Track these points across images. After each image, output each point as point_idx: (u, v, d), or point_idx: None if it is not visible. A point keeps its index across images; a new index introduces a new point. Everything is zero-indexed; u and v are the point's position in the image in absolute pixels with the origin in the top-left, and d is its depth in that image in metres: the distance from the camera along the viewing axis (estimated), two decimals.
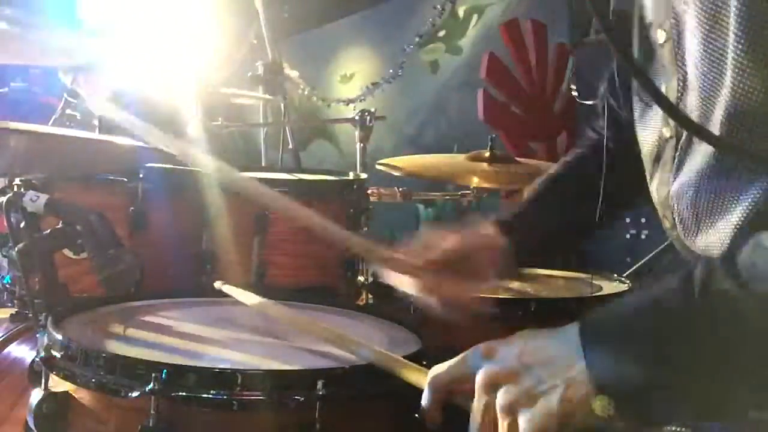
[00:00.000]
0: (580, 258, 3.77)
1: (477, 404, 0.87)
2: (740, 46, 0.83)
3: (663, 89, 1.00)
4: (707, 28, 0.87)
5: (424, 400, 0.92)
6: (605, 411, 0.80)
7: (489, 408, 0.86)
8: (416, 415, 0.97)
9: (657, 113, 1.06)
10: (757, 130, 0.86)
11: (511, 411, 0.84)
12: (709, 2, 0.86)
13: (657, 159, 1.06)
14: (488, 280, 1.32)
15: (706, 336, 0.79)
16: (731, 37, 0.84)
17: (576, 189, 1.36)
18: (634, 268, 2.92)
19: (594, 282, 1.95)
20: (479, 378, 0.87)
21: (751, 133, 0.87)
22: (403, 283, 1.30)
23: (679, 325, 0.81)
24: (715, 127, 0.90)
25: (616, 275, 2.02)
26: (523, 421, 0.83)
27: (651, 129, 1.07)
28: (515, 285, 1.79)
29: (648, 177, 1.10)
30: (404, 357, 1.10)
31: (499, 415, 0.85)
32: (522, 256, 1.31)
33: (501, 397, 0.85)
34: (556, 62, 4.18)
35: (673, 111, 0.95)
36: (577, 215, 1.33)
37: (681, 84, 0.96)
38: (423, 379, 0.95)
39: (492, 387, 0.86)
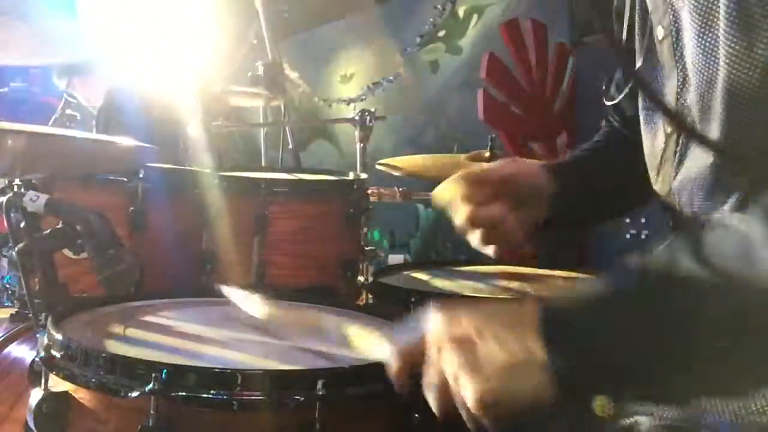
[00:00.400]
0: (580, 258, 3.78)
1: (429, 364, 0.86)
2: (731, 41, 0.83)
3: (664, 86, 1.01)
4: (700, 21, 0.88)
5: (391, 369, 0.91)
6: (605, 411, 0.79)
7: (438, 369, 0.85)
8: (416, 414, 0.97)
9: (656, 111, 1.06)
10: (753, 120, 0.86)
11: (456, 377, 0.82)
12: None
13: (662, 156, 1.06)
14: (533, 219, 1.28)
15: (667, 323, 0.77)
16: (722, 33, 0.85)
17: (608, 167, 1.34)
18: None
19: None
20: (429, 338, 0.87)
21: (748, 125, 0.87)
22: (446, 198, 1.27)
23: (636, 313, 0.79)
24: (714, 122, 0.90)
25: None
26: (466, 389, 0.81)
27: (655, 126, 1.08)
28: (515, 285, 1.79)
29: (653, 174, 1.10)
30: None
31: (448, 380, 0.84)
32: (561, 206, 1.28)
33: (446, 361, 0.84)
34: (556, 62, 4.18)
35: (666, 111, 0.95)
36: (621, 182, 1.30)
37: (680, 80, 0.97)
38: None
39: (440, 349, 0.85)
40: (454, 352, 0.83)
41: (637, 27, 1.09)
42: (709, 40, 0.87)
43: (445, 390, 0.85)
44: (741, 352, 0.76)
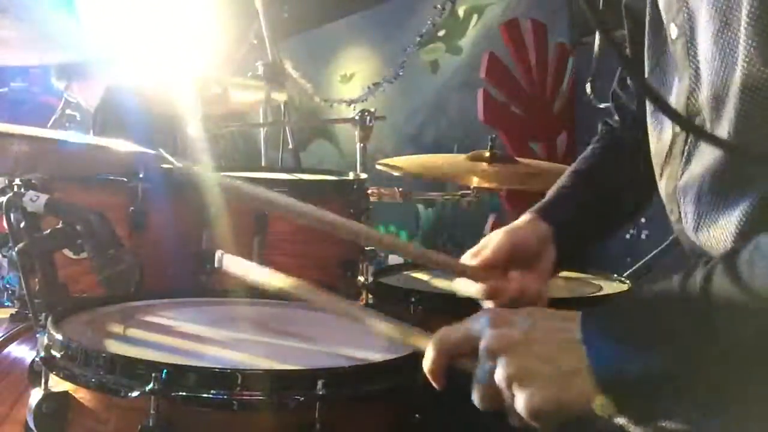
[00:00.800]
0: (580, 258, 3.77)
1: (480, 370, 0.86)
2: (751, 41, 0.83)
3: (676, 85, 1.01)
4: (720, 22, 0.87)
5: (427, 361, 0.90)
6: (605, 411, 0.79)
7: (491, 374, 0.85)
8: (416, 415, 0.97)
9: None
10: (765, 126, 0.86)
11: (509, 384, 0.83)
12: None
13: (668, 153, 1.06)
14: (549, 268, 1.28)
15: (705, 334, 0.79)
16: (742, 32, 0.84)
17: (604, 178, 1.34)
18: (634, 268, 2.92)
19: (594, 282, 1.95)
20: (483, 343, 0.86)
21: (759, 129, 0.87)
22: (468, 289, 1.26)
23: (679, 322, 0.80)
24: (725, 124, 0.90)
25: (616, 275, 2.01)
26: (520, 398, 0.82)
27: (662, 124, 1.08)
28: None
29: (658, 172, 1.10)
30: (404, 357, 1.10)
31: (499, 386, 0.84)
32: (562, 241, 1.28)
33: (501, 368, 0.84)
34: (556, 62, 4.18)
35: (674, 113, 0.95)
36: (612, 201, 1.32)
37: (693, 80, 0.96)
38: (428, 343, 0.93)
39: (494, 354, 0.85)
40: (506, 356, 0.84)
41: (647, 25, 1.09)
42: (727, 38, 0.87)
43: (493, 392, 0.85)
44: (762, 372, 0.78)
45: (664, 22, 1.02)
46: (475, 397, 0.87)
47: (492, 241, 1.25)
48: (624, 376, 0.80)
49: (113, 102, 2.53)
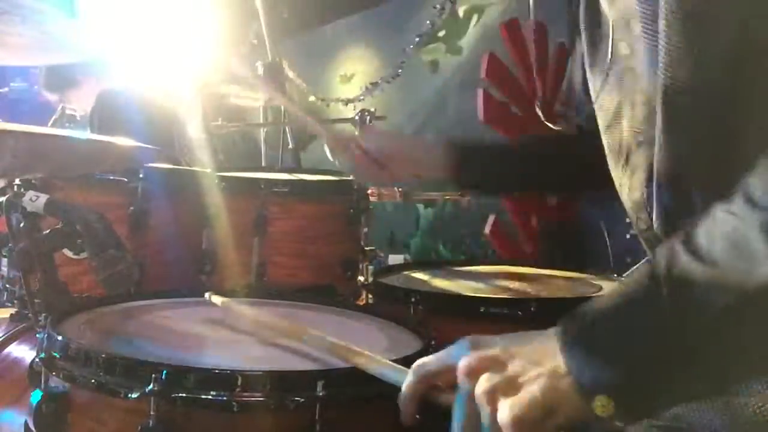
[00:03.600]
0: (580, 258, 3.78)
1: (460, 392, 0.86)
2: (669, 30, 0.87)
3: (635, 98, 1.03)
4: (647, 27, 0.92)
5: (406, 388, 0.90)
6: (605, 410, 0.79)
7: (471, 397, 0.84)
8: (417, 416, 0.97)
9: (622, 120, 1.07)
10: (687, 118, 0.90)
11: (492, 398, 0.82)
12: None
13: (626, 163, 1.07)
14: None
15: (673, 323, 0.77)
16: (661, 29, 0.88)
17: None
18: (634, 268, 2.92)
19: (594, 282, 1.95)
20: (462, 364, 0.86)
21: (683, 127, 0.91)
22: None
23: (647, 317, 0.79)
24: (657, 121, 0.94)
25: (616, 275, 2.01)
26: (503, 409, 0.81)
27: (617, 135, 1.09)
28: (515, 285, 1.79)
29: (617, 181, 1.11)
30: (404, 357, 1.10)
31: (480, 403, 0.83)
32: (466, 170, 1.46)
33: (482, 384, 0.83)
34: (556, 62, 4.18)
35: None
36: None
37: (649, 91, 0.99)
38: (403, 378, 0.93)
39: (474, 374, 0.84)
40: (488, 374, 0.83)
41: (588, 41, 1.12)
42: (652, 34, 0.91)
43: (473, 412, 0.84)
44: (737, 346, 0.76)
45: (615, 35, 1.05)
46: (455, 421, 0.86)
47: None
48: (600, 380, 0.79)
49: (107, 104, 2.53)
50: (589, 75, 1.16)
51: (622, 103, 1.06)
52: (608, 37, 1.05)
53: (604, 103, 1.11)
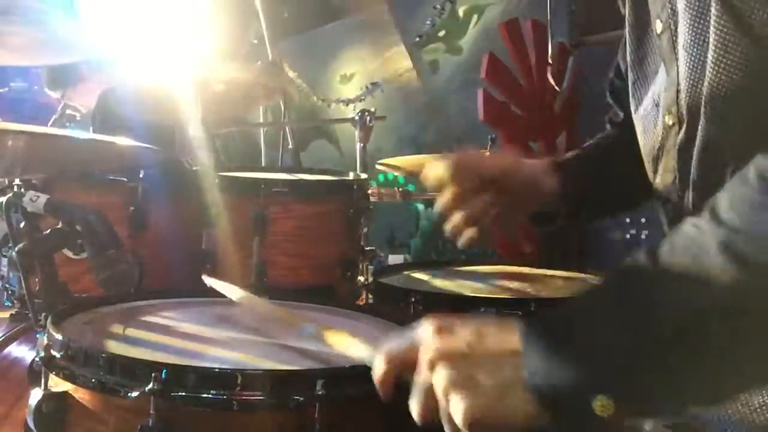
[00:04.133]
0: (580, 258, 3.78)
1: (418, 379, 0.85)
2: (721, 21, 0.85)
3: (664, 79, 1.01)
4: (694, 11, 0.89)
5: (375, 372, 0.90)
6: (605, 411, 0.78)
7: (429, 385, 0.84)
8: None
9: (655, 105, 1.06)
10: (734, 111, 0.87)
11: (447, 394, 0.81)
12: None
13: (660, 149, 1.06)
14: (531, 206, 1.29)
15: (625, 328, 0.76)
16: (713, 14, 0.86)
17: (618, 157, 1.33)
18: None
19: (594, 282, 1.95)
20: (422, 352, 0.85)
21: (727, 117, 0.88)
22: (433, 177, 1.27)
23: (602, 322, 0.78)
24: (706, 111, 0.91)
25: None
26: (457, 406, 0.80)
27: (651, 121, 1.08)
28: (515, 285, 1.79)
29: (651, 170, 1.10)
30: None
31: (438, 396, 0.82)
32: (569, 201, 1.28)
33: (438, 378, 0.82)
34: (556, 62, 4.18)
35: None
36: (625, 178, 1.28)
37: (678, 73, 0.97)
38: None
39: (433, 363, 0.83)
40: (446, 366, 0.82)
41: (628, 24, 1.10)
42: (701, 26, 0.89)
43: (431, 402, 0.84)
44: (687, 347, 0.75)
45: (651, 17, 1.03)
46: (413, 408, 0.85)
47: (498, 156, 1.27)
48: (557, 389, 0.78)
49: (110, 104, 2.53)
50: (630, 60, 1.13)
51: (653, 81, 1.05)
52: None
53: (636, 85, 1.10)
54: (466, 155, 1.29)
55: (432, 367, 0.84)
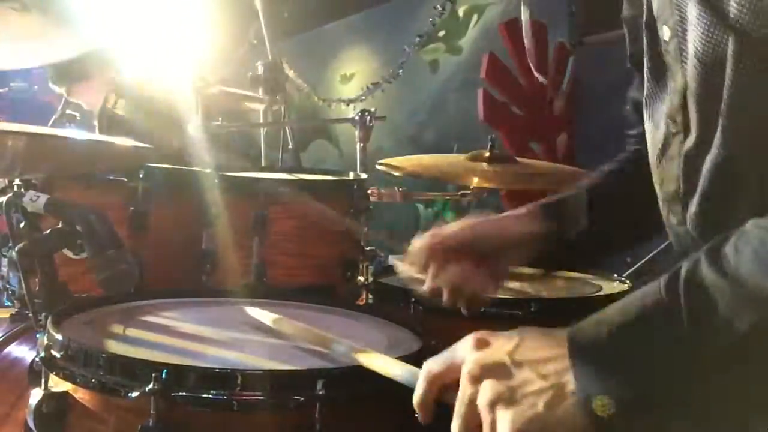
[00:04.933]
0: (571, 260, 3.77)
1: (460, 395, 0.83)
2: (741, 36, 0.82)
3: (671, 87, 1.01)
4: (708, 19, 0.87)
5: (417, 394, 0.88)
6: (605, 411, 0.78)
7: (472, 401, 0.81)
8: (417, 414, 0.97)
9: (662, 108, 1.05)
10: (757, 124, 0.85)
11: (492, 408, 0.79)
12: None
13: (662, 153, 1.06)
14: (502, 274, 1.28)
15: (690, 344, 0.75)
16: (732, 26, 0.83)
17: (624, 191, 1.29)
18: (634, 268, 2.92)
19: (594, 282, 1.95)
20: (465, 367, 0.83)
21: (750, 129, 0.86)
22: (405, 271, 1.28)
23: (663, 336, 0.77)
24: (714, 122, 0.89)
25: (616, 275, 2.01)
26: (504, 421, 0.78)
27: (657, 124, 1.07)
28: (515, 285, 1.79)
29: (654, 173, 1.10)
30: (404, 357, 1.10)
31: (481, 411, 0.81)
32: (565, 247, 1.26)
33: (483, 392, 0.80)
34: (556, 62, 4.18)
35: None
36: (629, 215, 1.26)
37: (685, 80, 0.96)
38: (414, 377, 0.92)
39: (476, 378, 0.82)
40: (489, 379, 0.81)
41: (644, 28, 1.09)
42: (717, 37, 0.86)
43: (474, 419, 0.82)
44: (757, 373, 0.74)
45: (658, 24, 1.02)
46: (455, 426, 0.83)
47: (459, 226, 1.24)
48: (611, 398, 0.76)
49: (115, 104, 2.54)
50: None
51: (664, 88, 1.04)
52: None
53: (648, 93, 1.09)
54: (434, 234, 1.26)
55: (474, 381, 0.82)
